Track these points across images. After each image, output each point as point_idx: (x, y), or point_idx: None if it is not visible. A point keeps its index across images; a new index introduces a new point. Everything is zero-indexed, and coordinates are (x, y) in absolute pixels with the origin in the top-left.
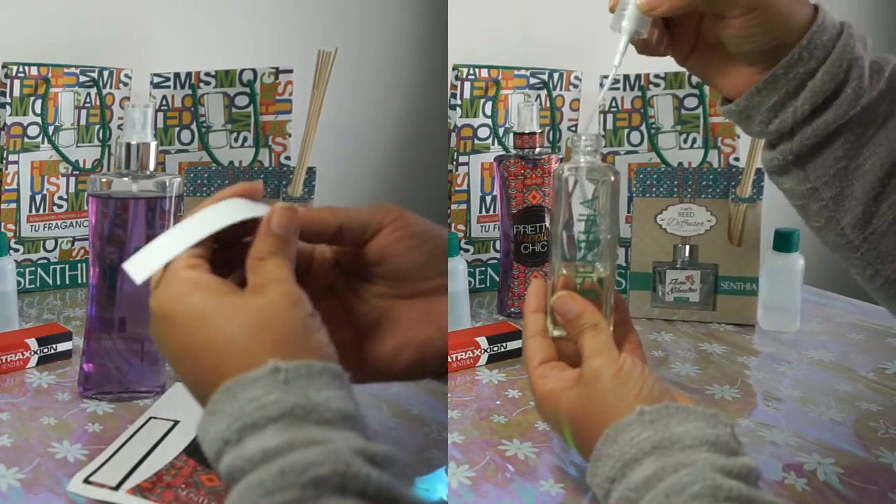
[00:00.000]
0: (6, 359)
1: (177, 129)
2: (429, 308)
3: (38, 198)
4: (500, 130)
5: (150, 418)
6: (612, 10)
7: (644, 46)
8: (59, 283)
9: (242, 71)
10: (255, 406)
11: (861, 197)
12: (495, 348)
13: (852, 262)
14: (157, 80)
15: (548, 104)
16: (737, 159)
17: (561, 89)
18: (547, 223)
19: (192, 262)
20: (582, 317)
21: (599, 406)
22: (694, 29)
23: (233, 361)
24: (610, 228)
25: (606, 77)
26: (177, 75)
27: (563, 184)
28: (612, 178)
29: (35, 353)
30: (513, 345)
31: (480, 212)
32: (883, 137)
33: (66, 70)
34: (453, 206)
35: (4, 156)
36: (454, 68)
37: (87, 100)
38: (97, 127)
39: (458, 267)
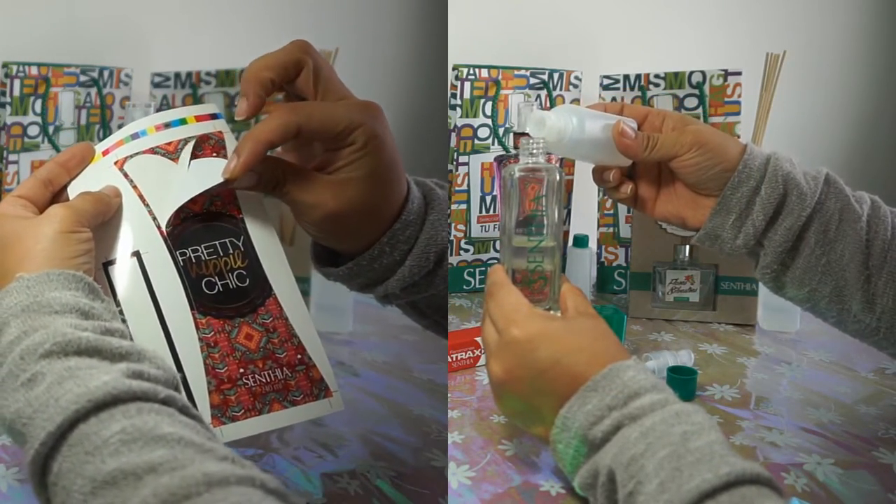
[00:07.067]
0: None
1: None
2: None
3: None
4: (500, 130)
5: None
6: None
7: (615, 193)
8: None
9: (242, 70)
10: (5, 309)
11: (855, 283)
12: None
13: (881, 345)
14: (157, 79)
15: (548, 104)
16: None
17: (561, 89)
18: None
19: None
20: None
21: (593, 339)
22: (655, 180)
23: None
24: (555, 220)
25: (607, 77)
26: (177, 75)
27: (515, 183)
28: (558, 178)
29: None
30: None
31: (480, 212)
32: (847, 228)
33: (66, 70)
34: (453, 206)
35: (4, 156)
36: (454, 68)
37: (87, 99)
38: (97, 127)
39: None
